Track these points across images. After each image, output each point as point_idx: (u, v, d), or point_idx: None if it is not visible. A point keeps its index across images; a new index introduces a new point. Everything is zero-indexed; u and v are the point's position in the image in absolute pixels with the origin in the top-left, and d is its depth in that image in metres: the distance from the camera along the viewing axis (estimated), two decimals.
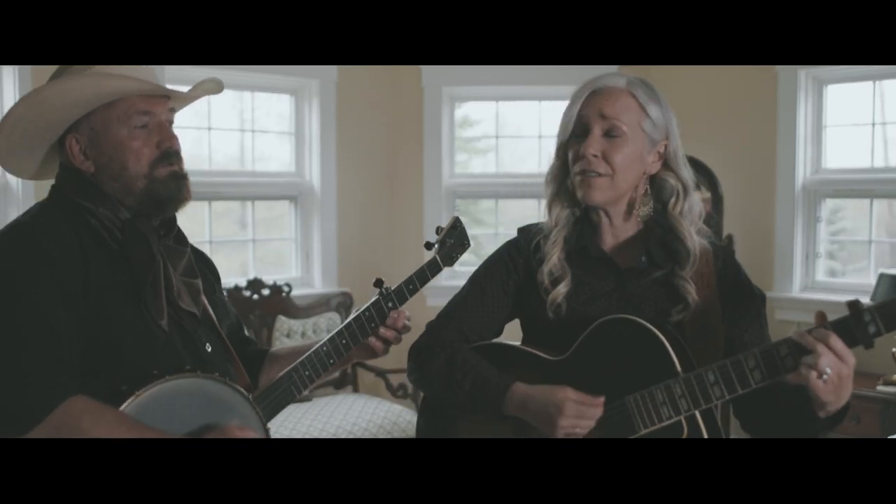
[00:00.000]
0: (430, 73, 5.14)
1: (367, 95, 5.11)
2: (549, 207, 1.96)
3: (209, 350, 1.80)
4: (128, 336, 1.66)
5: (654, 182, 1.92)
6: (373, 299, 1.96)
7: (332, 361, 1.92)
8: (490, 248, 2.13)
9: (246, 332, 2.10)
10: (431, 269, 2.04)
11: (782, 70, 4.60)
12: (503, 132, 5.43)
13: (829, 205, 4.67)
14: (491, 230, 5.43)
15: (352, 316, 1.97)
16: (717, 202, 4.50)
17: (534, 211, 5.37)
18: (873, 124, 4.56)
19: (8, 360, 1.54)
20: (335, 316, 4.78)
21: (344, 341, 1.93)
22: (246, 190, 4.84)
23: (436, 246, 2.08)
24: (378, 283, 1.97)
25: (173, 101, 1.80)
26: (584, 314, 1.86)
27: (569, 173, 1.91)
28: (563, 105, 5.82)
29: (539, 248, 1.95)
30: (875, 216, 4.60)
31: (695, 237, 1.88)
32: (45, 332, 1.57)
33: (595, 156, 1.84)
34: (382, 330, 1.96)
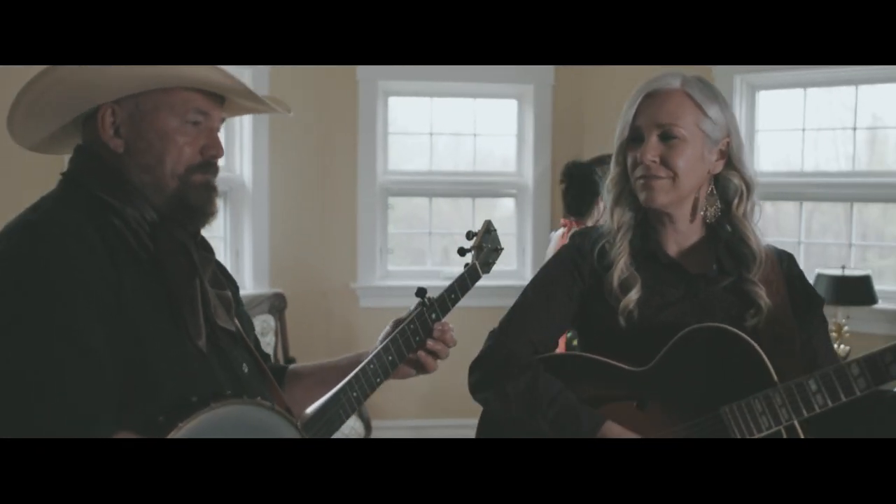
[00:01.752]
0: (366, 67, 5.01)
1: (300, 88, 4.93)
2: (612, 211, 1.91)
3: (246, 371, 1.63)
4: (164, 359, 1.47)
5: (718, 182, 1.88)
6: (415, 311, 1.83)
7: (378, 380, 1.78)
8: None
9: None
10: (471, 277, 1.93)
11: (719, 76, 4.66)
12: (393, 129, 5.31)
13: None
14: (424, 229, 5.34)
15: (385, 332, 1.84)
16: None
17: (467, 210, 5.31)
18: (804, 130, 4.68)
19: (43, 392, 1.32)
20: (269, 318, 4.60)
21: (391, 358, 1.79)
22: None
23: (471, 252, 1.96)
24: (420, 292, 1.83)
25: (225, 110, 1.64)
26: (655, 322, 1.81)
27: (629, 178, 1.87)
28: (499, 103, 5.72)
29: (604, 254, 1.89)
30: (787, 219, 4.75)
31: (759, 239, 1.86)
32: (82, 355, 1.36)
33: (654, 161, 1.80)
34: (431, 343, 1.82)
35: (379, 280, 5.16)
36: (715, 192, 1.87)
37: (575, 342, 3.61)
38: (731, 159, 1.86)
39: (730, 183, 1.86)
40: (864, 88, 4.55)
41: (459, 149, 5.41)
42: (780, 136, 4.78)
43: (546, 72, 5.10)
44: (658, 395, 1.76)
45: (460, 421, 4.99)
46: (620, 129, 1.87)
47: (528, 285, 1.98)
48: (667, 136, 1.80)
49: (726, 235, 1.86)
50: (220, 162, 1.62)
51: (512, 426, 1.89)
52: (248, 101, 1.67)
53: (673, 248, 1.88)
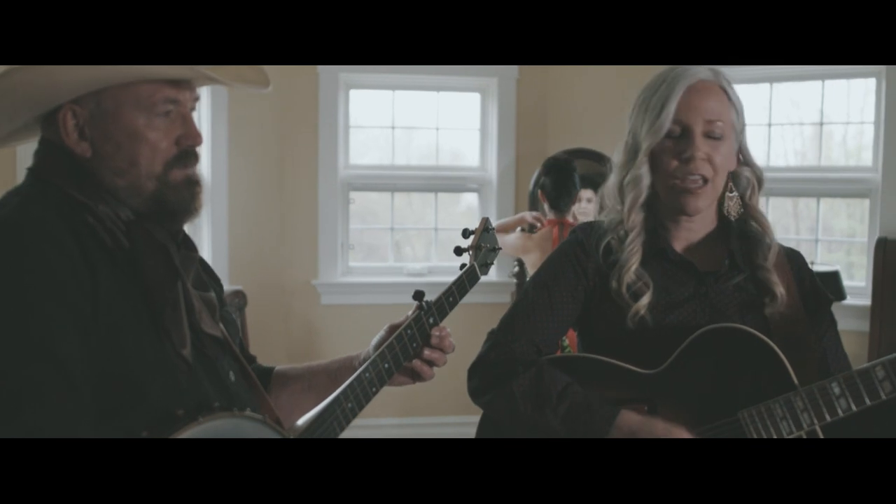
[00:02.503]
0: None
1: None
2: (628, 214, 1.79)
3: (233, 380, 1.52)
4: (147, 369, 1.35)
5: (732, 176, 1.81)
6: (413, 315, 1.71)
7: (374, 390, 1.66)
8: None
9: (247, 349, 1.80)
10: (470, 279, 1.81)
11: None
12: (354, 122, 5.20)
13: None
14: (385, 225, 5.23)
15: (379, 338, 1.73)
16: None
17: (430, 204, 5.22)
18: (769, 125, 4.68)
19: (15, 412, 1.21)
20: None
21: (387, 365, 1.66)
22: None
23: (470, 252, 1.85)
24: (418, 295, 1.72)
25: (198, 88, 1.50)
26: (663, 322, 1.74)
27: (652, 178, 1.77)
28: (462, 96, 5.63)
29: (610, 251, 1.81)
30: None
31: (772, 231, 1.81)
32: (58, 372, 1.24)
33: (703, 160, 1.71)
34: (428, 352, 1.70)
35: (340, 277, 5.04)
36: (734, 189, 1.81)
37: (567, 347, 3.55)
38: (742, 153, 1.81)
39: (741, 176, 1.81)
40: (809, 85, 4.59)
41: (422, 142, 5.33)
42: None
43: (510, 66, 5.03)
44: (670, 398, 1.69)
45: (432, 419, 4.94)
46: (657, 124, 1.74)
47: (529, 283, 1.89)
48: (711, 134, 1.72)
49: (739, 227, 1.81)
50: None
51: (518, 429, 1.80)
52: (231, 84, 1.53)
53: (681, 244, 1.82)
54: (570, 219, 4.13)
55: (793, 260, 1.84)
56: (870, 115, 4.41)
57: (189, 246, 1.52)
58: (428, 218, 5.25)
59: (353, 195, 5.12)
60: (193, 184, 1.47)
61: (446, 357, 1.73)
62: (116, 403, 1.31)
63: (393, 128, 5.19)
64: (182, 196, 1.45)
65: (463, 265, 1.84)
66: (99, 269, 1.34)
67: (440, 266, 5.14)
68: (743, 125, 1.79)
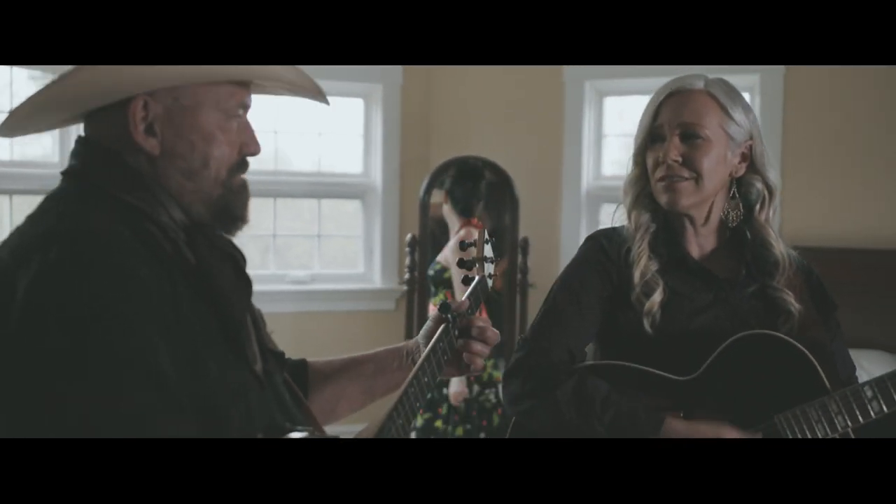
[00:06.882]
0: None
1: None
2: (630, 213, 1.86)
3: (287, 398, 1.44)
4: (224, 390, 1.26)
5: (741, 186, 1.86)
6: (441, 329, 1.64)
7: (418, 405, 1.58)
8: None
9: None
10: (483, 291, 1.78)
11: (569, 80, 4.75)
12: None
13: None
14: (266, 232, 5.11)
15: (427, 328, 1.68)
16: (512, 205, 4.56)
17: (312, 211, 5.14)
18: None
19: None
20: None
21: (426, 379, 1.59)
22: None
23: (476, 265, 1.82)
24: (444, 307, 1.65)
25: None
26: (688, 329, 1.78)
27: (649, 180, 1.83)
28: (346, 101, 5.58)
29: (630, 257, 1.84)
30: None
31: (782, 245, 1.85)
32: (169, 399, 1.14)
33: (676, 161, 1.77)
34: (475, 346, 1.64)
35: (263, 285, 4.87)
36: (737, 195, 1.85)
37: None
38: (753, 163, 1.85)
39: (752, 187, 1.85)
40: None
41: (304, 148, 5.23)
42: (627, 140, 4.92)
43: (395, 71, 5.00)
44: (705, 404, 1.73)
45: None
46: (641, 129, 1.84)
47: (556, 290, 1.89)
48: (690, 136, 1.77)
49: (749, 240, 1.86)
50: None
51: (561, 435, 1.78)
52: (287, 92, 1.50)
53: (696, 252, 1.87)
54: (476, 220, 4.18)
55: (802, 266, 1.90)
56: None
57: (244, 256, 1.43)
58: (311, 225, 5.16)
59: None
60: (248, 192, 1.41)
61: (489, 348, 1.68)
62: (199, 425, 1.19)
63: (276, 132, 5.08)
64: (242, 202, 1.39)
65: (467, 278, 1.81)
66: (176, 282, 1.24)
67: (324, 273, 5.07)
68: (747, 133, 1.82)
